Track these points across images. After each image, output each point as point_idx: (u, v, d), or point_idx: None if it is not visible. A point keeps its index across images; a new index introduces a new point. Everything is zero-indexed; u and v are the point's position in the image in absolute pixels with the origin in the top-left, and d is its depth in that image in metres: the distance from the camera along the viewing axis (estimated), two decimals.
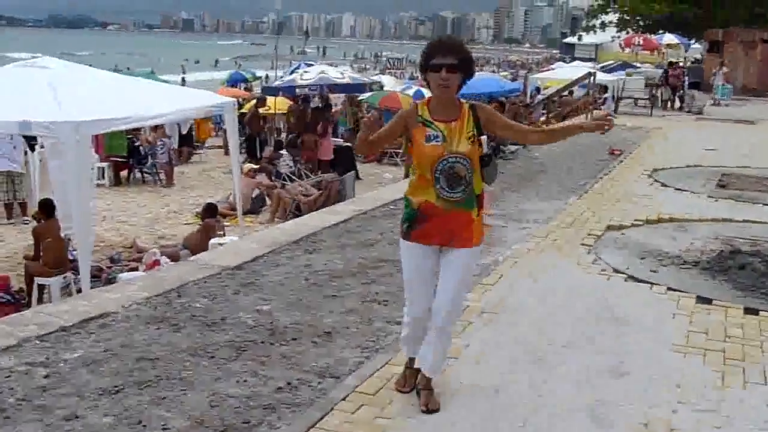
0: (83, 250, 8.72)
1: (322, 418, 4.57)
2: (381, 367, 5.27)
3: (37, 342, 5.66)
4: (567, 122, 4.46)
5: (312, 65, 24.26)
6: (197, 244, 11.43)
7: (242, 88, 32.92)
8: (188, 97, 11.39)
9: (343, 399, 4.81)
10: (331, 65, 40.38)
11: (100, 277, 10.62)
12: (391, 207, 10.34)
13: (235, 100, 12.41)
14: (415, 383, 4.90)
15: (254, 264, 7.68)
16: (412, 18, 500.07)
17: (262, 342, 5.76)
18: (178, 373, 5.22)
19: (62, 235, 9.50)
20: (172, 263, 9.67)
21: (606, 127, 4.59)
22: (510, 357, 5.55)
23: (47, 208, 10.11)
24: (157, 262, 10.84)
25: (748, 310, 6.69)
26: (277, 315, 6.30)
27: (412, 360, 4.94)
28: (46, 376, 5.13)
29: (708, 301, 6.91)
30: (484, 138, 4.50)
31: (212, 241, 11.02)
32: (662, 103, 28.58)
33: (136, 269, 10.96)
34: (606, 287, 7.24)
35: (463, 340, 5.73)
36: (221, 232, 11.73)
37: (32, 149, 13.98)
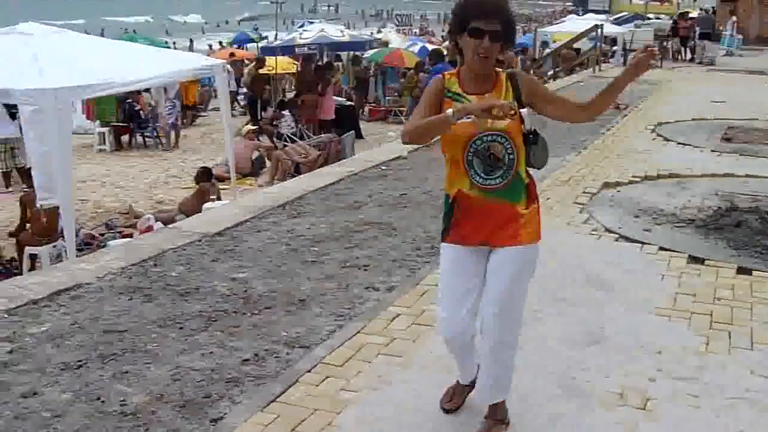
0: (67, 218, 8.58)
1: (284, 392, 4.41)
2: (352, 337, 5.10)
3: (5, 316, 5.52)
4: (606, 89, 3.84)
5: (313, 23, 23.91)
6: (192, 208, 11.27)
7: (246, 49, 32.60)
8: (175, 59, 11.17)
9: (309, 371, 4.66)
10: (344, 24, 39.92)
11: (92, 245, 10.51)
12: (383, 168, 10.15)
13: (225, 61, 12.20)
14: (462, 401, 4.25)
15: (235, 230, 7.51)
16: None
17: (234, 312, 5.60)
18: (144, 345, 5.07)
19: (38, 205, 9.33)
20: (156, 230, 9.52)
21: (650, 61, 3.52)
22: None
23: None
24: (150, 228, 10.70)
25: (741, 270, 6.48)
26: (252, 283, 6.14)
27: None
28: (9, 352, 4.99)
29: (700, 260, 6.70)
30: (524, 111, 3.66)
31: (205, 205, 10.87)
32: (672, 54, 28.13)
33: (130, 235, 10.83)
34: (595, 248, 7.03)
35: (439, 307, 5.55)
36: (214, 196, 11.57)
37: (12, 118, 13.69)
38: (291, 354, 4.95)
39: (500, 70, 3.75)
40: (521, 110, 3.65)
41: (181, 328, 5.34)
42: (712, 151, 11.62)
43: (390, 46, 27.77)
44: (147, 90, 17.78)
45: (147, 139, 19.47)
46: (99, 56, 9.73)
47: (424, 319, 5.34)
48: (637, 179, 9.59)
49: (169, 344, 5.09)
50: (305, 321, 5.45)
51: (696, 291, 6.01)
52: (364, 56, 23.56)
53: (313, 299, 5.82)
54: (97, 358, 4.89)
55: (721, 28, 33.13)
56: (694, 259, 6.72)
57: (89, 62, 9.32)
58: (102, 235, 11.11)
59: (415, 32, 54.80)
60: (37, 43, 9.40)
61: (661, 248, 6.99)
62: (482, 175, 3.65)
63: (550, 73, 25.93)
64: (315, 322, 5.43)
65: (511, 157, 3.64)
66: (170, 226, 8.19)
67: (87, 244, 10.47)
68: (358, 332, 5.17)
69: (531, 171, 3.83)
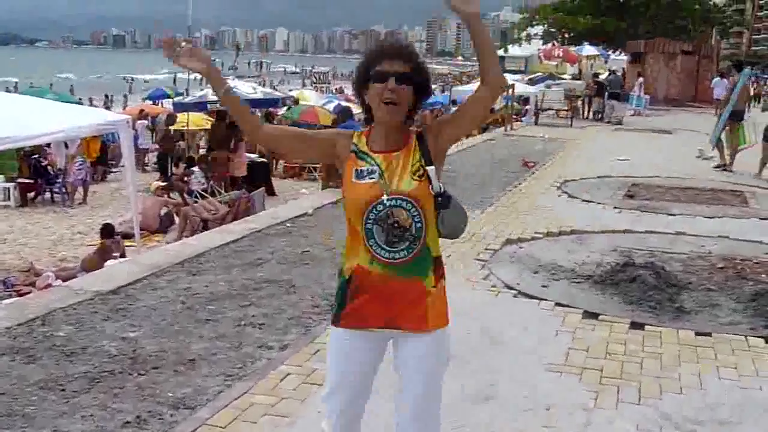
0: None
1: None
2: (239, 397, 4.99)
3: None
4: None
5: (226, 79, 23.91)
6: (94, 266, 11.02)
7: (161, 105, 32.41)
8: (76, 114, 10.99)
9: None
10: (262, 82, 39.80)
11: None
12: (288, 225, 10.07)
13: (128, 117, 12.06)
14: None
15: (131, 288, 7.34)
16: (345, 32, 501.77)
17: (120, 372, 5.43)
18: (21, 409, 4.87)
19: None
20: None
21: None
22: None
23: None
24: (49, 286, 10.41)
25: (634, 325, 6.56)
26: (142, 342, 5.98)
27: None
28: None
29: (595, 316, 6.77)
30: (431, 169, 3.17)
31: (108, 263, 10.63)
32: (593, 114, 28.98)
33: (29, 293, 10.51)
34: (492, 304, 7.06)
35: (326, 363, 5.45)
36: (117, 254, 11.34)
37: None
38: (175, 415, 4.81)
39: (413, 129, 3.29)
40: (428, 168, 3.17)
41: (63, 390, 5.16)
42: (615, 207, 11.85)
43: (306, 103, 27.88)
44: (48, 145, 17.45)
45: (55, 195, 19.07)
46: None
47: (315, 378, 5.25)
48: (540, 236, 9.71)
49: (48, 407, 4.90)
50: (193, 381, 5.31)
51: (589, 346, 6.06)
52: (278, 113, 23.61)
53: (203, 359, 5.69)
54: None
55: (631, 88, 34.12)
56: (588, 315, 6.79)
57: None
58: None
59: (333, 90, 55.29)
60: None
61: (558, 304, 7.05)
62: (385, 247, 3.15)
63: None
64: (203, 382, 5.30)
65: (419, 225, 3.15)
66: (63, 284, 7.97)
67: None
68: (246, 392, 5.06)
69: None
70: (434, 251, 3.27)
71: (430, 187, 3.18)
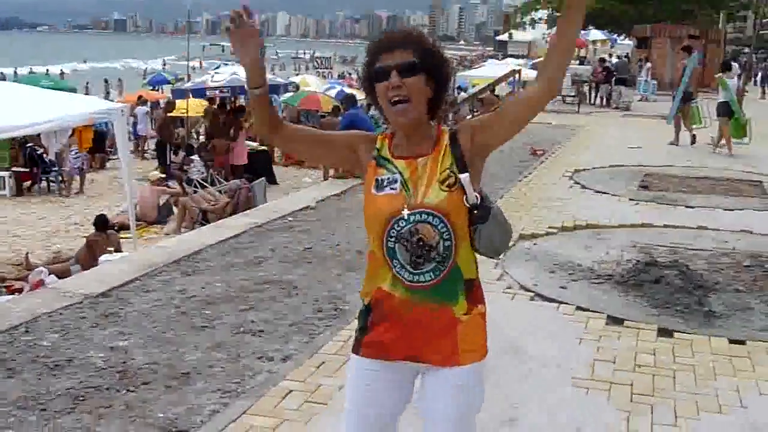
0: None
1: None
2: (236, 419, 4.53)
3: None
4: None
5: (227, 65, 23.42)
6: (86, 260, 10.58)
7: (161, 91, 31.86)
8: (67, 103, 10.50)
9: None
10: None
11: None
12: (289, 219, 9.59)
13: (123, 105, 11.59)
14: None
15: (122, 290, 6.88)
16: (347, 17, 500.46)
17: (107, 388, 4.98)
18: None
19: None
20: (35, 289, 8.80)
21: None
22: None
23: None
24: (42, 282, 9.96)
25: (662, 331, 6.09)
26: (133, 353, 5.53)
27: None
28: None
29: (619, 321, 6.30)
30: (465, 177, 2.69)
31: (102, 257, 10.18)
32: (600, 99, 28.53)
33: (21, 290, 10.07)
34: (509, 308, 6.58)
35: (336, 381, 4.99)
36: (112, 248, 10.86)
37: None
38: None
39: (445, 128, 2.81)
40: (460, 176, 2.70)
41: (43, 409, 4.71)
42: (630, 199, 11.37)
43: (307, 89, 27.34)
44: (38, 135, 16.92)
45: (51, 184, 18.59)
46: None
47: (319, 395, 4.80)
48: (554, 230, 9.23)
49: (26, 430, 4.46)
50: (187, 399, 4.86)
51: (615, 356, 5.59)
52: (278, 99, 23.11)
53: (198, 372, 5.24)
54: None
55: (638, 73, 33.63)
56: (612, 320, 6.32)
57: None
58: None
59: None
60: None
61: (579, 308, 6.58)
62: (409, 268, 2.70)
63: (469, 117, 25.81)
64: (197, 400, 4.85)
65: (447, 244, 2.69)
66: (52, 285, 7.52)
67: None
68: (244, 412, 4.60)
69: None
70: (467, 273, 2.77)
71: (465, 198, 2.70)
